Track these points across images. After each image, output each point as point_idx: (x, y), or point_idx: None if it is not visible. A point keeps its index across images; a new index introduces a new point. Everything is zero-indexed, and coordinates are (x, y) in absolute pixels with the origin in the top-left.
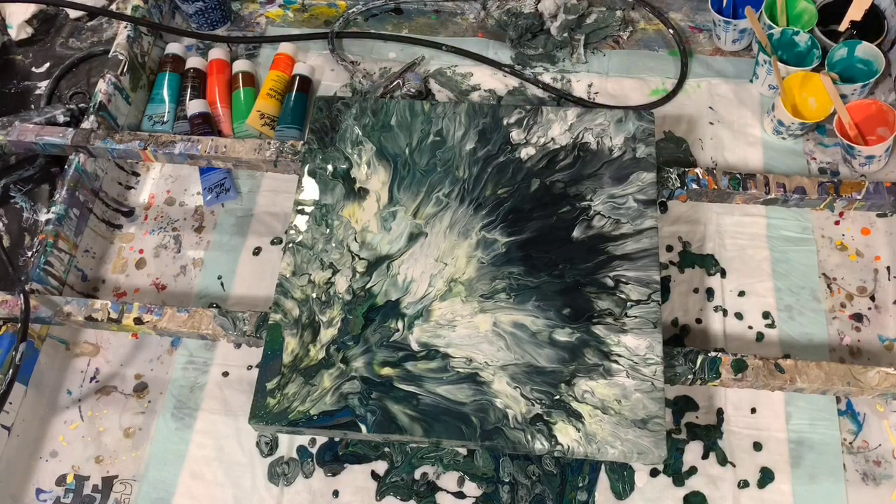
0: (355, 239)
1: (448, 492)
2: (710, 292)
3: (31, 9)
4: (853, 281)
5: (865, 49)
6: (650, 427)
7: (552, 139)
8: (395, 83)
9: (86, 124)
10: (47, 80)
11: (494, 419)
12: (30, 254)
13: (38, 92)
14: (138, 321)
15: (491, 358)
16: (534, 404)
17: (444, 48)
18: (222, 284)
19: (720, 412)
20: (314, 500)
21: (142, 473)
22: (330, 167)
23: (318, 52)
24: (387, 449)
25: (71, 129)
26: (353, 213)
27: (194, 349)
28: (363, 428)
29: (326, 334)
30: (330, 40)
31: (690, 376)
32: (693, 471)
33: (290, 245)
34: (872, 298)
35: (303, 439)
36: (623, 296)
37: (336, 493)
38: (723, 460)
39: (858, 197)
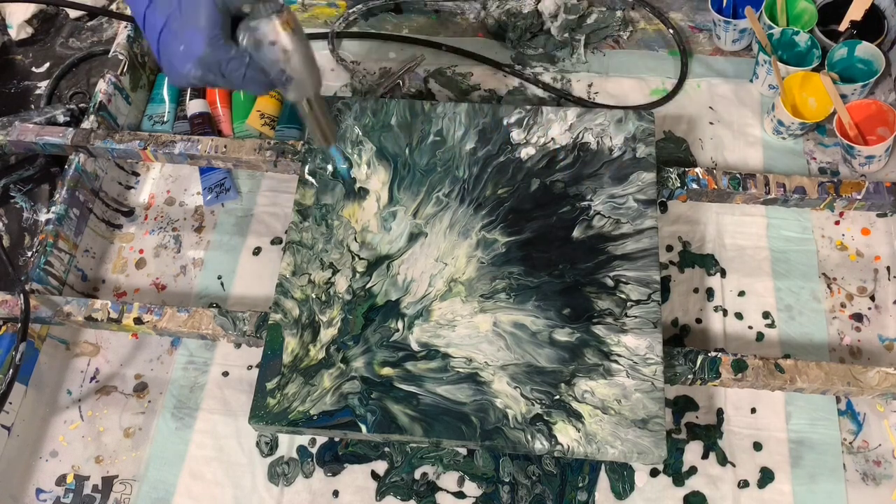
0: (355, 239)
1: (448, 492)
2: (710, 292)
3: (31, 9)
4: (853, 281)
5: (865, 49)
6: (650, 427)
7: (552, 139)
8: (395, 83)
9: (86, 124)
10: (47, 80)
11: (494, 419)
12: (30, 254)
13: (38, 92)
14: (138, 321)
15: (491, 358)
16: (534, 404)
17: (444, 48)
18: (222, 284)
19: (720, 412)
20: (314, 500)
21: (142, 473)
22: (330, 167)
23: (318, 52)
24: (387, 449)
25: (71, 129)
26: (353, 213)
27: (194, 349)
28: (363, 428)
29: (326, 334)
30: (330, 40)
31: (690, 376)
32: (693, 471)
33: (290, 245)
34: (872, 298)
35: (303, 439)
36: (623, 296)
37: (336, 493)
38: (723, 460)
39: (858, 197)
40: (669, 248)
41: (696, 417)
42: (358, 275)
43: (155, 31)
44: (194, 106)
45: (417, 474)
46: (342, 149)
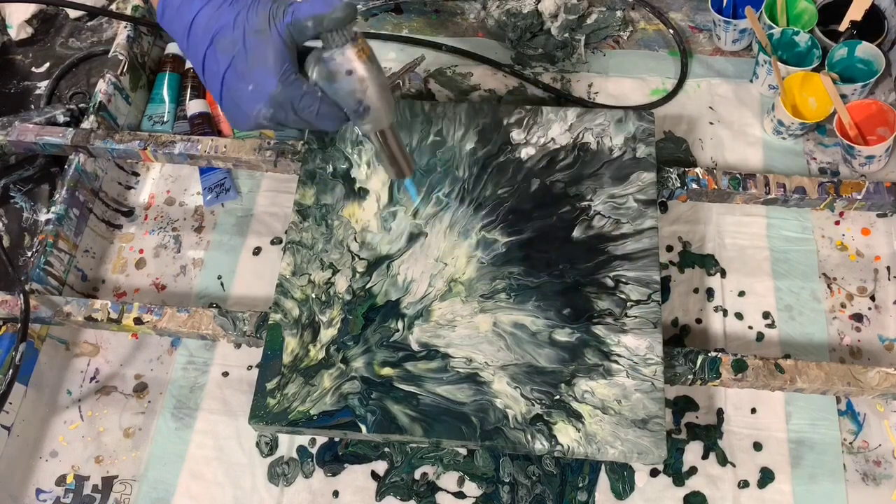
0: (355, 239)
1: (448, 492)
2: (710, 292)
3: (31, 9)
4: (853, 281)
5: (865, 49)
6: (650, 427)
7: (552, 139)
8: (395, 83)
9: (86, 124)
10: (47, 80)
11: (494, 419)
12: (30, 254)
13: (38, 92)
14: (138, 321)
15: (491, 358)
16: (534, 404)
17: (444, 48)
18: (222, 284)
19: (720, 412)
20: (314, 500)
21: (142, 473)
22: (330, 167)
23: None
24: (387, 449)
25: (71, 129)
26: (353, 213)
27: (194, 349)
28: (363, 428)
29: (326, 334)
30: None
31: (690, 376)
32: (693, 471)
33: (290, 245)
34: (872, 298)
35: (303, 439)
36: (623, 296)
37: (336, 493)
38: (723, 460)
39: (858, 197)
40: (669, 248)
41: (696, 417)
42: (358, 275)
43: (218, 74)
44: (194, 106)
45: (417, 474)
46: (415, 178)
